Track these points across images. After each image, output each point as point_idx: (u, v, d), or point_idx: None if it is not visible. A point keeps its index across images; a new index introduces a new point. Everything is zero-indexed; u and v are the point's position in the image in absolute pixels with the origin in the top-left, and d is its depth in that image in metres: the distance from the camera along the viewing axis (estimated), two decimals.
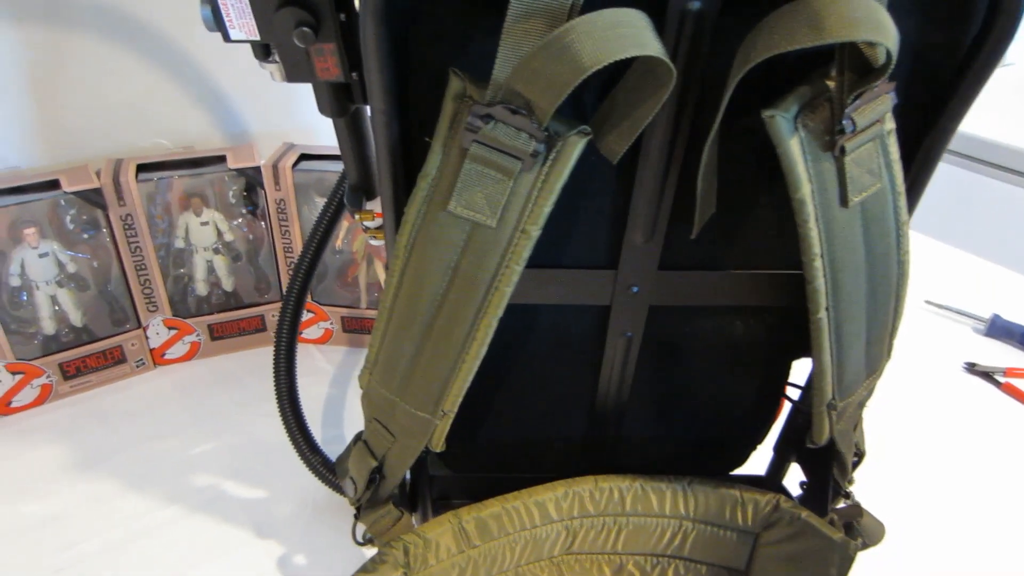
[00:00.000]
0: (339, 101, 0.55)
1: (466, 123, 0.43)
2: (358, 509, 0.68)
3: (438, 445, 0.58)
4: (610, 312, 0.60)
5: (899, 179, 0.48)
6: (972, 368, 1.05)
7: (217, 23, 0.48)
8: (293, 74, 0.51)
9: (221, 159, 0.94)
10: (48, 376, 0.92)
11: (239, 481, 0.84)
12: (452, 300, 0.49)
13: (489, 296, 0.49)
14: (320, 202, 0.95)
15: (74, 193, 0.86)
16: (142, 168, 0.91)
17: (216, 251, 0.97)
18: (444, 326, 0.50)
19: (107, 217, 0.89)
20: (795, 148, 0.44)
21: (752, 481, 0.76)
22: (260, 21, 0.48)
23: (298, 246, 0.97)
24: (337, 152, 0.96)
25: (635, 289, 0.58)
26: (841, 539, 0.62)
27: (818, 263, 0.48)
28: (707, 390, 0.68)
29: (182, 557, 0.75)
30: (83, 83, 0.91)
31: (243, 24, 0.48)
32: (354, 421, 0.94)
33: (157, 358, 1.00)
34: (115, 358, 0.96)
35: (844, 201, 0.46)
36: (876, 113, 0.44)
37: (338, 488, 0.79)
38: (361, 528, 0.70)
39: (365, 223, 0.69)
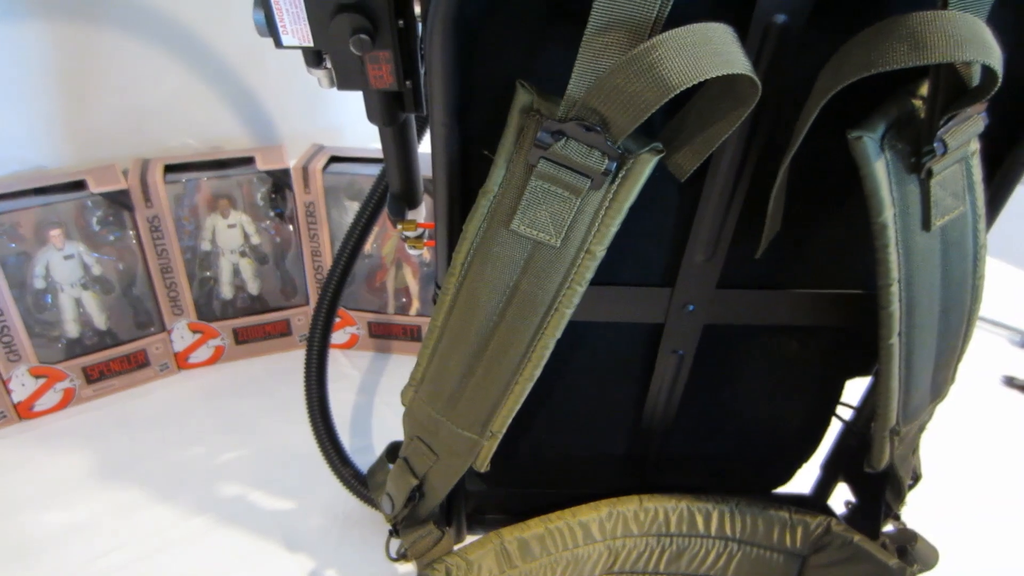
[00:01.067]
0: (390, 110, 0.52)
1: (535, 139, 0.41)
2: (395, 526, 0.67)
3: (483, 466, 0.56)
4: (663, 330, 0.58)
5: (980, 202, 0.46)
6: (1011, 382, 1.03)
7: (269, 28, 0.46)
8: (345, 81, 0.49)
9: (249, 160, 0.92)
10: (71, 380, 0.90)
11: (267, 491, 0.82)
12: (509, 320, 0.47)
13: (548, 317, 0.47)
14: (350, 205, 0.93)
15: (101, 194, 0.84)
16: (170, 169, 0.89)
17: (242, 254, 0.95)
18: (499, 346, 0.48)
19: (133, 219, 0.87)
20: (880, 170, 0.42)
21: (796, 500, 0.74)
22: (315, 27, 0.46)
23: (327, 250, 0.95)
24: (368, 155, 0.95)
25: (691, 307, 0.56)
26: (897, 565, 0.60)
27: (894, 288, 0.45)
28: (756, 409, 0.66)
29: (210, 571, 0.73)
30: (110, 82, 0.89)
31: (296, 30, 0.46)
32: (383, 430, 0.92)
33: (181, 362, 0.98)
34: (139, 362, 0.94)
35: (926, 225, 0.44)
36: (967, 135, 0.41)
37: (370, 501, 0.77)
38: (395, 543, 0.69)
39: (406, 233, 0.67)
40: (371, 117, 0.53)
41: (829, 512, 0.72)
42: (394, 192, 0.64)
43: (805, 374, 0.63)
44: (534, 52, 0.43)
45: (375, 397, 0.97)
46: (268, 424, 0.91)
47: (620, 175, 0.42)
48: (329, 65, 0.50)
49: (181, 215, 0.90)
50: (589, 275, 0.45)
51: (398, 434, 0.90)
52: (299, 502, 0.81)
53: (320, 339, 0.78)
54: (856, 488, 0.68)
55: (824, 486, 0.71)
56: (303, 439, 0.86)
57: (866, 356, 0.61)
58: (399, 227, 0.64)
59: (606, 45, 0.37)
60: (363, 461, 0.79)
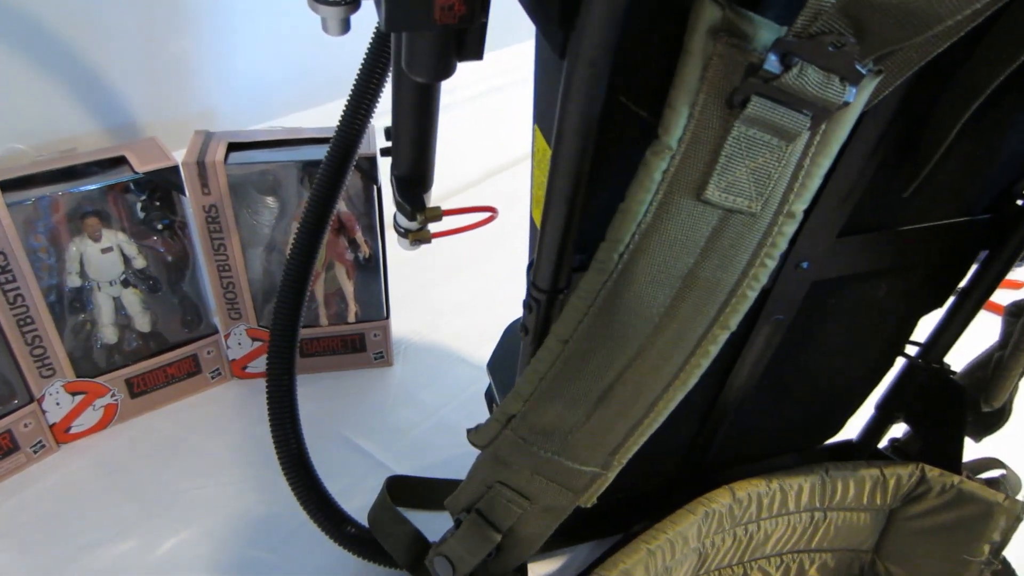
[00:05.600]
0: (445, 58, 0.38)
1: (751, 69, 0.29)
2: None
3: (591, 501, 0.45)
4: (768, 296, 0.49)
5: None
6: None
7: None
8: (397, 17, 0.34)
9: (117, 162, 0.70)
10: None
11: None
12: (680, 319, 0.36)
13: (727, 306, 0.36)
14: (265, 201, 0.75)
15: None
16: (7, 187, 0.65)
17: (125, 283, 0.73)
18: (659, 353, 0.37)
19: None
20: None
21: (844, 447, 0.70)
22: None
23: (239, 262, 0.76)
24: (276, 137, 0.76)
25: (805, 265, 0.48)
26: (1007, 501, 0.57)
27: None
28: (830, 363, 0.60)
29: None
30: None
31: None
32: (351, 467, 0.75)
33: (60, 435, 0.75)
34: (3, 448, 0.70)
35: None
36: None
37: (386, 559, 0.62)
38: None
39: (404, 226, 0.52)
40: (414, 68, 0.38)
41: (880, 455, 0.68)
42: (402, 174, 0.49)
43: (885, 318, 0.58)
44: None
45: (329, 428, 0.80)
46: (203, 491, 0.72)
47: None
48: None
49: (36, 247, 0.67)
50: (784, 244, 0.35)
51: (368, 469, 0.75)
52: None
53: (286, 372, 0.61)
54: (921, 426, 0.65)
55: (877, 428, 0.67)
56: (256, 499, 0.70)
57: (943, 289, 0.57)
58: (418, 219, 0.49)
59: None
60: (350, 509, 0.64)
